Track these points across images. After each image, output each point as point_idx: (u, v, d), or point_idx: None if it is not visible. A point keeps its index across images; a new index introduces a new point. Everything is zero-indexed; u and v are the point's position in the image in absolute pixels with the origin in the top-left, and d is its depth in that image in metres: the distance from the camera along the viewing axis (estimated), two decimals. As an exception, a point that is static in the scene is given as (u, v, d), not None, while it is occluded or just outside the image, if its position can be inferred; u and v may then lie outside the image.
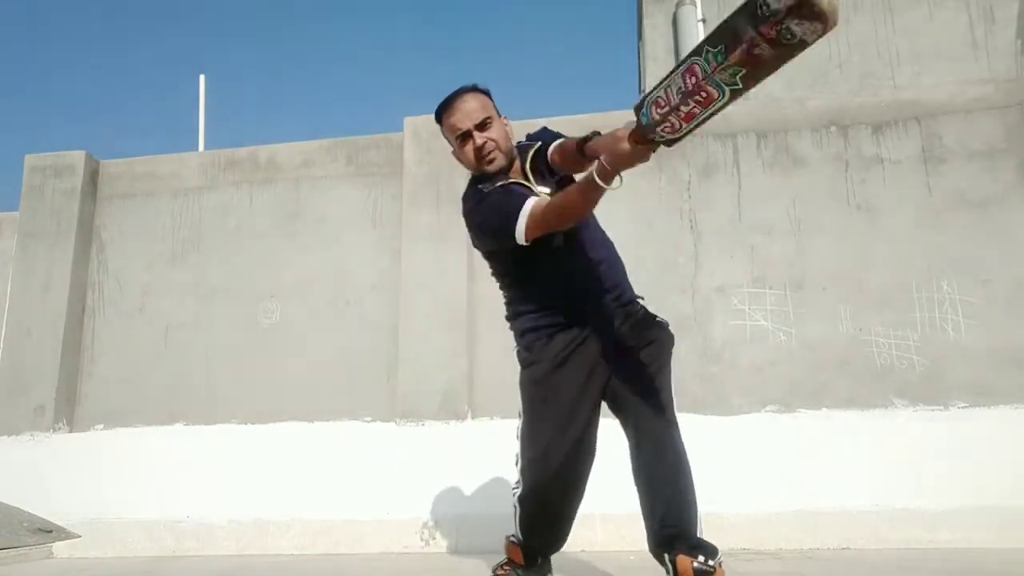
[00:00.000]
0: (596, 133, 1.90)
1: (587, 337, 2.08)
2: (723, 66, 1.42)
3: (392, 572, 2.88)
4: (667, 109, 1.58)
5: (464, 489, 3.65)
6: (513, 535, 2.29)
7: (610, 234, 2.30)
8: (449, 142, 2.26)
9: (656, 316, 2.17)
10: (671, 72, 1.55)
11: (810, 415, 4.00)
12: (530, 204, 1.99)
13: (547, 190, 2.14)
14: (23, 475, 4.30)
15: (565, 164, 2.09)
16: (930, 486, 3.38)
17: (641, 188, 4.35)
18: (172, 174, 5.14)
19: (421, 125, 4.81)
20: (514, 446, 2.22)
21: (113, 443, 4.57)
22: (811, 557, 2.99)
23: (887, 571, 2.64)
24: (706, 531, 1.98)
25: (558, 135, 2.25)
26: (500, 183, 2.14)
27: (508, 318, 2.27)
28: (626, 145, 1.70)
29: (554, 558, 2.37)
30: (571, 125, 3.89)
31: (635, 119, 1.68)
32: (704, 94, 1.49)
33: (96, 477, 4.24)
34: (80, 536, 3.76)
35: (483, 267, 2.19)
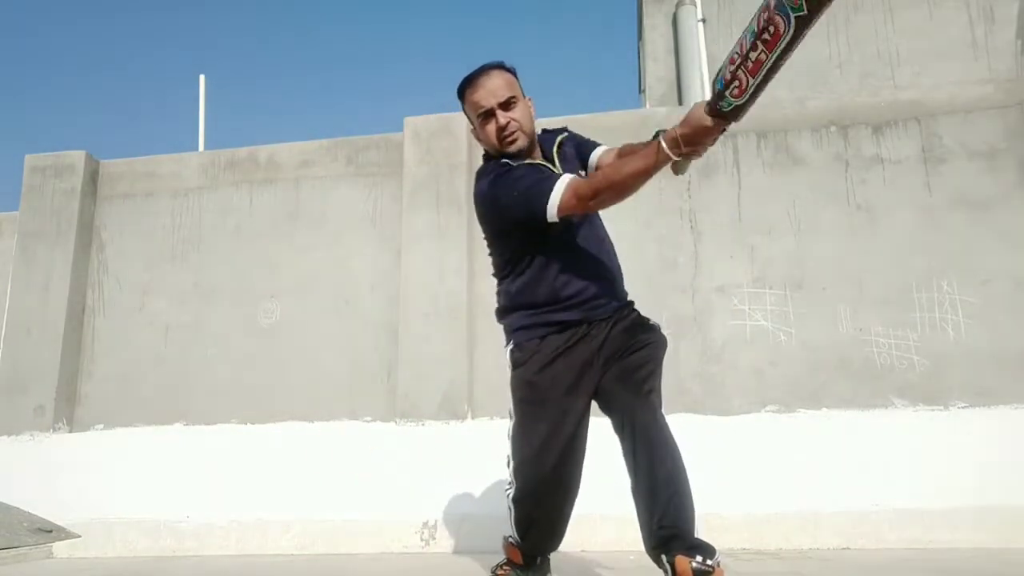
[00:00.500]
0: (661, 131, 1.84)
1: (580, 338, 2.07)
2: None
3: (392, 572, 2.88)
4: (738, 62, 1.63)
5: (464, 489, 3.65)
6: (511, 536, 2.29)
7: (610, 233, 2.30)
8: (470, 120, 2.17)
9: (648, 319, 2.16)
10: (750, 20, 1.62)
11: (810, 415, 4.00)
12: (567, 178, 1.98)
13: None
14: (23, 475, 4.30)
15: None
16: (930, 486, 3.38)
17: (641, 188, 4.35)
18: (172, 174, 5.14)
19: (421, 125, 4.81)
20: (505, 447, 2.20)
21: (113, 443, 4.57)
22: (811, 557, 2.99)
23: (887, 571, 2.64)
24: (706, 531, 1.97)
25: (589, 140, 2.25)
26: (524, 162, 2.10)
27: (500, 312, 2.22)
28: (700, 114, 1.71)
29: (554, 558, 2.37)
30: (571, 125, 3.89)
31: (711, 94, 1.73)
32: (772, 28, 1.54)
33: (96, 477, 4.24)
34: (80, 536, 3.76)
35: (483, 267, 2.19)
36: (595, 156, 2.24)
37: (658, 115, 4.67)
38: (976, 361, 3.94)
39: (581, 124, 4.09)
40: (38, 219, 5.07)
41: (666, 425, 2.01)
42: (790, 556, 3.01)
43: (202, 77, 6.53)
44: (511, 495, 2.19)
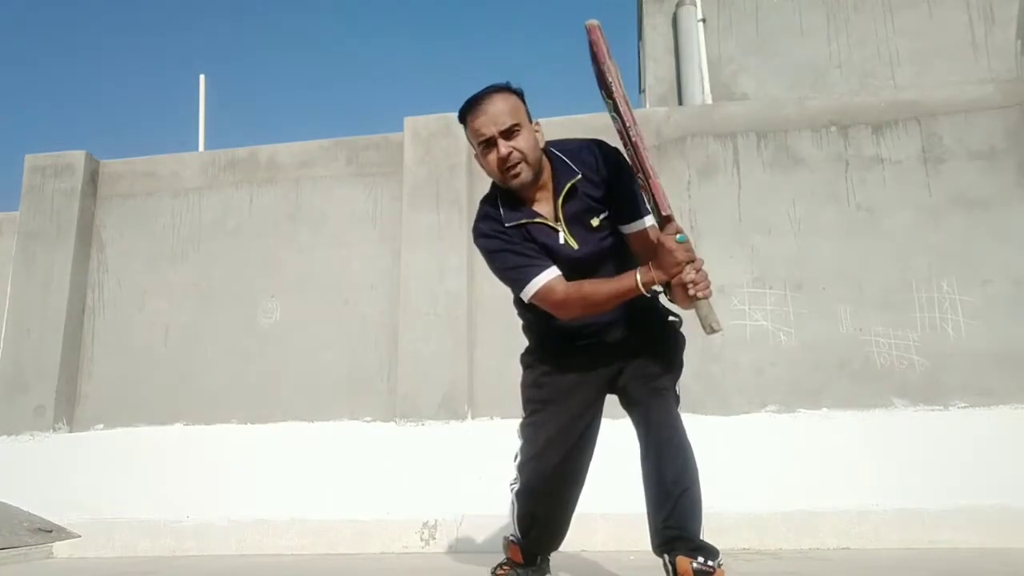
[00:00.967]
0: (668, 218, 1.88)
1: (596, 342, 2.07)
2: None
3: (392, 572, 2.88)
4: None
5: (464, 489, 3.65)
6: (512, 534, 2.29)
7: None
8: (472, 145, 2.04)
9: (669, 314, 2.13)
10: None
11: (810, 415, 4.00)
12: (543, 280, 1.92)
13: (574, 244, 1.99)
14: (23, 475, 4.30)
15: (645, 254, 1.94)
16: (930, 486, 3.38)
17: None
18: (172, 174, 5.14)
19: (421, 125, 4.81)
20: (515, 442, 2.22)
21: (113, 443, 4.57)
22: (811, 557, 2.99)
23: (887, 571, 2.64)
24: (706, 531, 1.98)
25: (626, 194, 2.02)
26: (518, 221, 2.00)
27: (524, 329, 2.23)
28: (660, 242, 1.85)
29: (554, 558, 2.37)
30: (571, 125, 3.90)
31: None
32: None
33: (96, 477, 4.24)
34: (80, 536, 3.76)
35: (483, 267, 2.18)
36: (632, 229, 2.03)
37: (658, 115, 4.67)
38: (976, 361, 3.94)
39: (581, 124, 4.09)
40: (38, 219, 5.07)
41: (680, 425, 2.01)
42: (790, 556, 3.01)
43: (202, 77, 6.53)
44: (515, 489, 2.21)
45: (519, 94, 2.02)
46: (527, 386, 2.17)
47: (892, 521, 3.26)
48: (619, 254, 2.07)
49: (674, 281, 1.86)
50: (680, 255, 1.83)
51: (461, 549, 3.42)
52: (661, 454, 1.96)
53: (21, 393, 4.75)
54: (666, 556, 1.91)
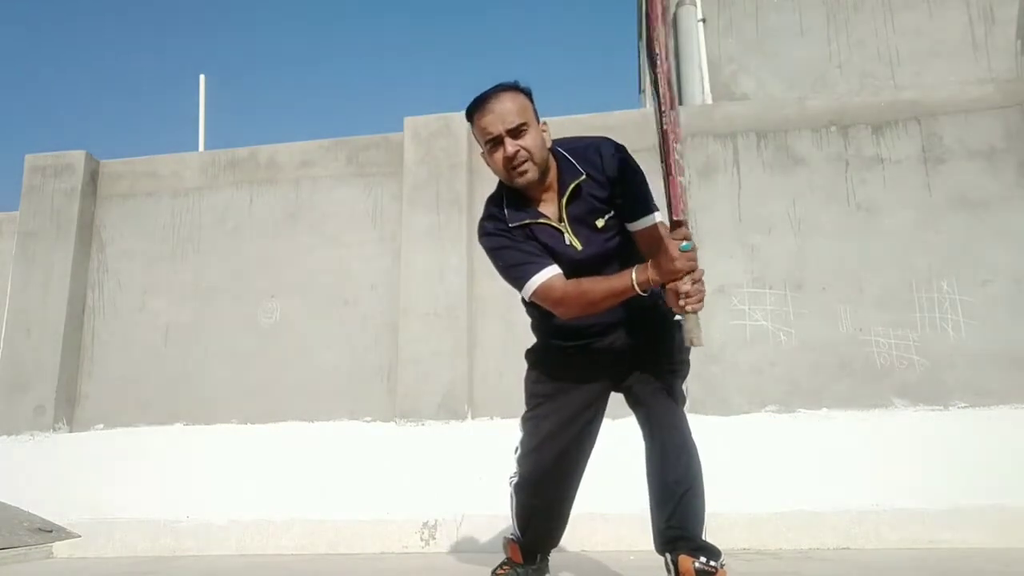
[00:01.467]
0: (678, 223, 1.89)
1: (601, 341, 2.07)
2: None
3: (392, 572, 2.88)
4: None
5: (464, 489, 3.65)
6: (512, 533, 2.30)
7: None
8: (479, 143, 2.04)
9: (673, 314, 2.14)
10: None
11: (810, 415, 4.00)
12: (542, 278, 1.94)
13: (578, 245, 1.99)
14: (23, 475, 4.30)
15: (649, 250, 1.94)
16: (930, 486, 3.38)
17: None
18: (172, 174, 5.14)
19: (421, 125, 4.82)
20: (516, 436, 2.23)
21: (113, 443, 4.57)
22: (811, 557, 2.99)
23: (887, 571, 2.63)
24: (706, 531, 1.98)
25: (636, 193, 2.01)
26: (522, 221, 2.01)
27: (532, 327, 2.24)
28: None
29: (553, 558, 2.37)
30: (571, 125, 3.90)
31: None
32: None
33: (96, 477, 4.24)
34: (80, 536, 3.76)
35: (483, 267, 2.19)
36: (639, 227, 2.03)
37: (658, 115, 4.66)
38: (976, 361, 3.94)
39: (581, 124, 4.10)
40: (38, 219, 5.07)
41: (685, 425, 2.01)
42: (790, 556, 3.01)
43: (202, 77, 6.54)
44: (514, 482, 2.22)
45: (527, 93, 2.01)
46: (531, 381, 2.19)
47: (892, 521, 3.26)
48: (625, 254, 2.06)
49: (668, 286, 1.85)
50: (681, 264, 1.82)
51: (461, 549, 3.42)
52: (665, 455, 1.97)
53: (21, 393, 4.75)
54: (668, 556, 1.91)
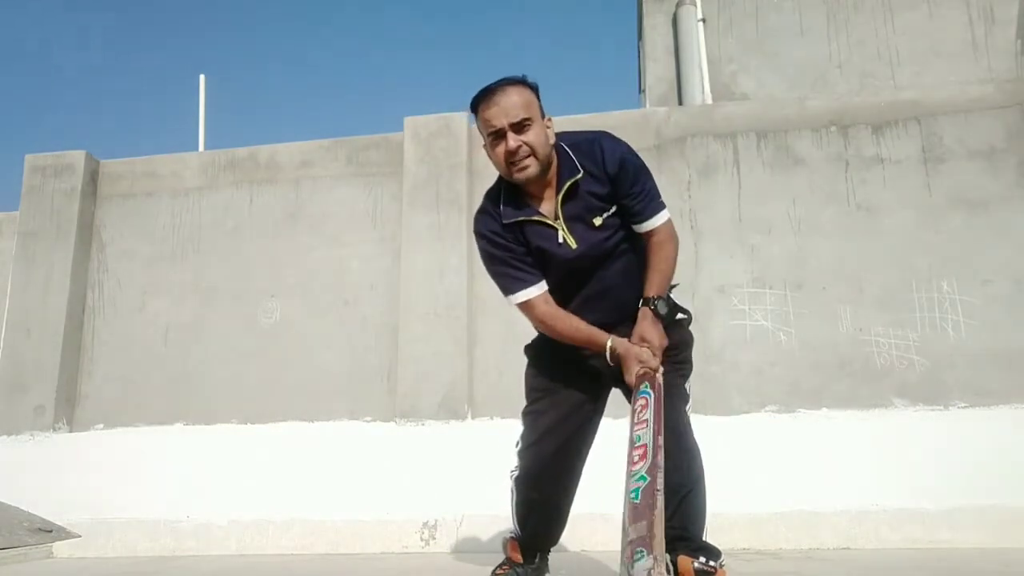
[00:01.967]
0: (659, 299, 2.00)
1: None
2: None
3: (392, 572, 2.88)
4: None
5: (464, 489, 3.65)
6: (512, 531, 2.29)
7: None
8: (482, 135, 2.01)
9: (677, 311, 2.12)
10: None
11: (810, 415, 4.00)
12: (524, 297, 2.02)
13: (574, 245, 1.99)
14: (23, 475, 4.30)
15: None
16: (930, 486, 3.38)
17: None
18: (172, 174, 5.14)
19: (421, 125, 4.82)
20: (517, 429, 2.24)
21: (113, 443, 4.57)
22: (811, 557, 2.99)
23: (887, 571, 2.63)
24: (708, 531, 1.98)
25: (635, 193, 1.98)
26: (516, 219, 2.01)
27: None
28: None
29: (553, 558, 2.37)
30: (571, 125, 3.89)
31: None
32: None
33: (96, 477, 4.24)
34: (80, 536, 3.76)
35: (483, 266, 2.18)
36: (644, 229, 2.02)
37: (658, 115, 4.67)
38: (976, 361, 3.94)
39: (581, 124, 4.09)
40: (38, 219, 5.07)
41: (687, 425, 2.01)
42: (790, 556, 3.01)
43: (202, 77, 6.53)
44: (515, 476, 2.22)
45: (534, 88, 2.00)
46: (531, 375, 2.21)
47: (892, 521, 3.26)
48: (627, 252, 2.06)
49: (626, 376, 1.98)
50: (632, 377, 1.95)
51: (461, 549, 3.42)
52: (668, 454, 1.97)
53: (21, 393, 4.75)
54: (668, 556, 1.91)
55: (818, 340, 4.12)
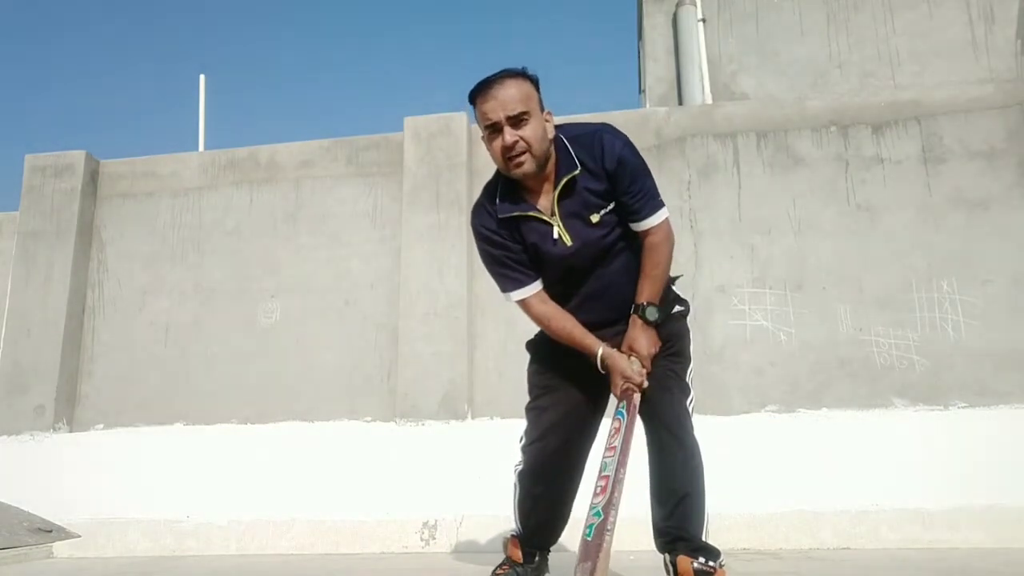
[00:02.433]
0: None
1: (599, 335, 2.07)
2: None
3: (392, 572, 2.88)
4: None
5: (464, 489, 3.65)
6: (513, 530, 2.29)
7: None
8: (480, 127, 2.00)
9: (675, 305, 2.13)
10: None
11: (810, 415, 4.00)
12: (519, 296, 2.05)
13: (569, 242, 1.98)
14: (23, 475, 4.30)
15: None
16: (930, 486, 3.38)
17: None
18: (172, 174, 5.14)
19: (421, 125, 4.81)
20: (517, 428, 2.24)
21: (113, 443, 4.57)
22: (811, 557, 2.99)
23: (887, 571, 2.63)
24: (707, 531, 1.98)
25: (632, 191, 1.97)
26: (511, 214, 2.00)
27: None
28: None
29: (553, 558, 2.37)
30: (571, 125, 3.89)
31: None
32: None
33: (96, 477, 4.24)
34: (80, 536, 3.76)
35: (483, 266, 2.18)
36: (642, 228, 2.02)
37: (658, 115, 4.67)
38: (976, 361, 3.94)
39: (581, 124, 4.08)
40: (38, 219, 5.07)
41: (686, 423, 2.01)
42: (790, 556, 3.01)
43: (202, 77, 6.53)
44: (518, 471, 2.22)
45: (534, 81, 1.98)
46: (532, 371, 2.22)
47: (892, 521, 3.26)
48: (626, 249, 2.05)
49: (611, 388, 2.04)
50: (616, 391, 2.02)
51: (461, 549, 3.42)
52: (666, 453, 1.97)
53: (21, 393, 4.75)
54: (667, 556, 1.92)
55: (818, 340, 4.12)
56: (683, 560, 1.86)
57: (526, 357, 2.29)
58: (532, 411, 2.18)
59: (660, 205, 2.03)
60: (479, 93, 1.93)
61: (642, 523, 2.04)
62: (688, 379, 2.10)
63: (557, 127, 2.03)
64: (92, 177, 5.19)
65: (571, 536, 2.31)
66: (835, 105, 4.49)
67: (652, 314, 2.00)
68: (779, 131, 4.46)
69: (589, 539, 1.73)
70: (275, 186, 4.97)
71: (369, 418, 4.44)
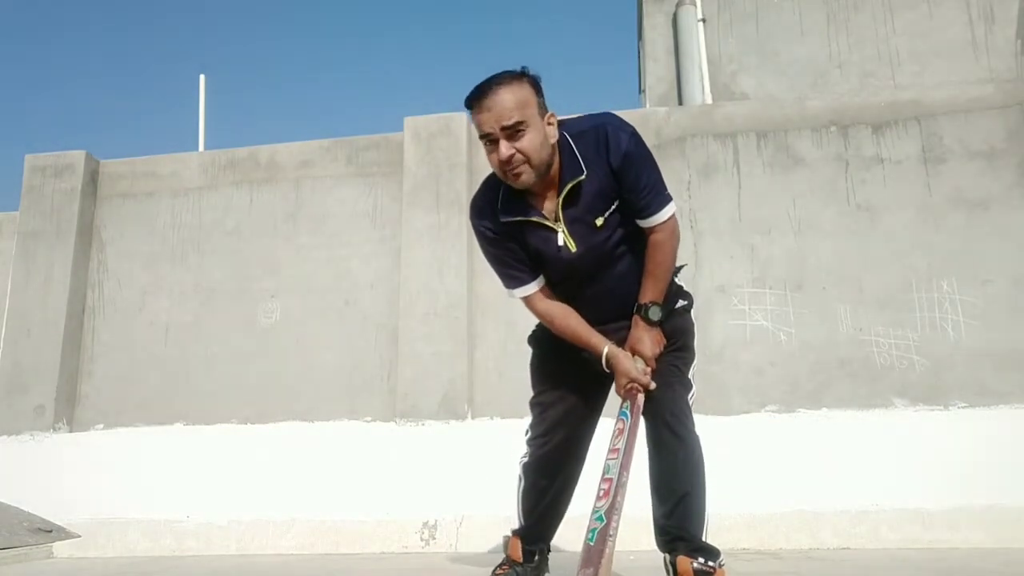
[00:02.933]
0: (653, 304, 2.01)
1: (601, 331, 2.06)
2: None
3: (392, 572, 2.88)
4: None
5: (464, 489, 3.65)
6: (515, 528, 2.29)
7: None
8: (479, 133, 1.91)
9: (678, 300, 2.12)
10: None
11: (810, 415, 4.00)
12: (522, 293, 2.05)
13: (574, 248, 1.96)
14: (23, 475, 4.30)
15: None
16: (930, 486, 3.38)
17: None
18: (172, 174, 5.14)
19: (421, 125, 4.81)
20: (518, 428, 2.26)
21: (113, 443, 4.57)
22: (811, 557, 2.99)
23: (887, 571, 2.63)
24: (707, 531, 1.98)
25: (638, 188, 1.92)
26: (514, 219, 1.97)
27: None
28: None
29: (553, 558, 2.37)
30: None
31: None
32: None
33: (96, 477, 4.24)
34: (80, 536, 3.76)
35: (483, 266, 2.19)
36: (648, 224, 1.98)
37: (658, 115, 4.67)
38: (976, 361, 3.94)
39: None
40: (38, 219, 5.07)
41: (687, 420, 2.00)
42: (790, 556, 3.01)
43: (202, 77, 6.53)
44: (524, 463, 2.22)
45: (533, 83, 1.88)
46: (535, 365, 2.23)
47: (892, 521, 3.26)
48: (629, 250, 2.03)
49: (615, 388, 2.05)
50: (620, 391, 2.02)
51: (461, 549, 3.42)
52: (667, 450, 1.96)
53: (21, 393, 4.75)
54: (667, 556, 1.91)
55: (818, 340, 4.12)
56: (683, 560, 1.85)
57: (526, 358, 2.30)
58: (537, 406, 2.19)
59: (667, 200, 1.98)
60: (474, 102, 1.84)
61: (642, 522, 2.04)
62: (690, 373, 2.09)
63: (561, 123, 1.96)
64: (92, 177, 5.19)
65: (572, 536, 2.31)
66: (835, 105, 4.49)
67: (655, 314, 1.99)
68: (779, 131, 4.46)
69: (592, 544, 1.72)
70: (275, 186, 4.97)
71: (369, 418, 4.44)
